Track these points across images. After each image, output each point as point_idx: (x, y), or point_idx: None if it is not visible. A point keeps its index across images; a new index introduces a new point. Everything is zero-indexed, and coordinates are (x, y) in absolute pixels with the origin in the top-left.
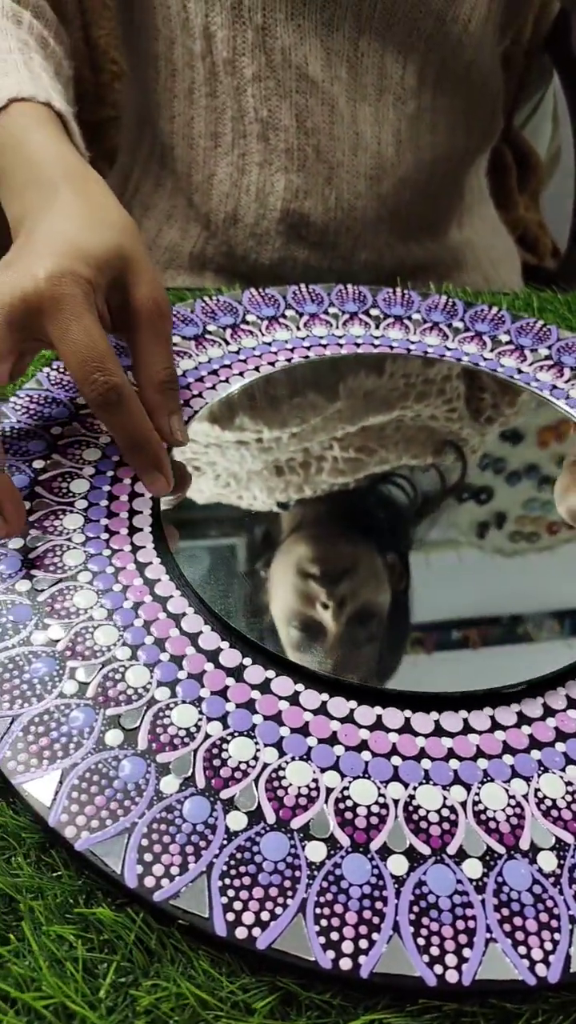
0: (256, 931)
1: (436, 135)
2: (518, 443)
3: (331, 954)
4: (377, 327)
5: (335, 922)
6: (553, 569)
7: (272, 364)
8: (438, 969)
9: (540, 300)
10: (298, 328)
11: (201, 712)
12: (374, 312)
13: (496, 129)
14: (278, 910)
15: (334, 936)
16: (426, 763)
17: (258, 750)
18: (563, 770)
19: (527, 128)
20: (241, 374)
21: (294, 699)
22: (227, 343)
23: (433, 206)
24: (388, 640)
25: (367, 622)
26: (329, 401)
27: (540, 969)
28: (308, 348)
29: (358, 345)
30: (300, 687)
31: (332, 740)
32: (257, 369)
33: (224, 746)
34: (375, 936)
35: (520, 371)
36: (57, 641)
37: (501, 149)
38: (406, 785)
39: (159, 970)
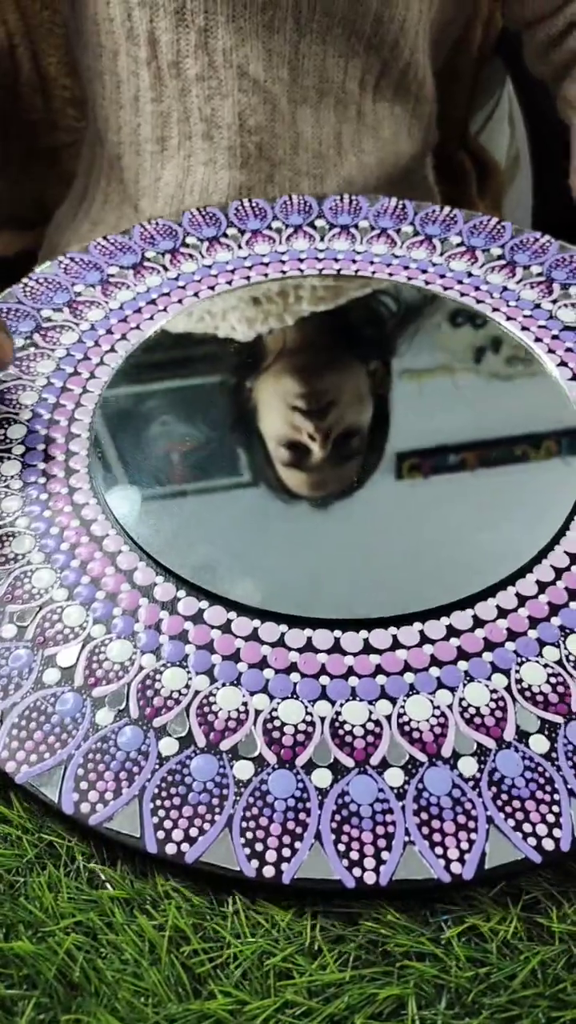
0: (184, 846)
1: (377, 140)
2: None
3: (255, 863)
4: (322, 239)
5: (260, 834)
6: (547, 392)
7: (212, 288)
8: (356, 872)
9: None
10: (239, 247)
11: (135, 646)
12: (319, 223)
13: (434, 137)
14: (206, 826)
15: (259, 847)
16: (353, 680)
17: (190, 679)
18: (489, 679)
19: (484, 134)
20: (180, 301)
21: (226, 627)
22: (166, 269)
23: None
24: (373, 461)
25: (351, 441)
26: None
27: (455, 867)
28: (249, 268)
29: (301, 260)
30: (232, 615)
31: (262, 664)
32: (196, 295)
33: (157, 677)
34: (297, 845)
35: (470, 274)
36: None
37: (459, 157)
38: (333, 703)
39: (80, 1004)
